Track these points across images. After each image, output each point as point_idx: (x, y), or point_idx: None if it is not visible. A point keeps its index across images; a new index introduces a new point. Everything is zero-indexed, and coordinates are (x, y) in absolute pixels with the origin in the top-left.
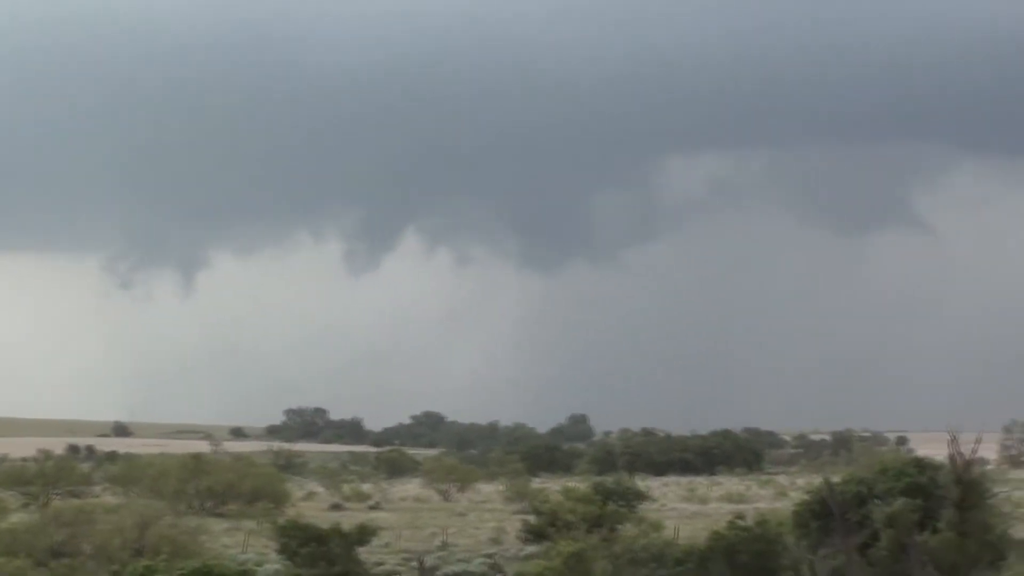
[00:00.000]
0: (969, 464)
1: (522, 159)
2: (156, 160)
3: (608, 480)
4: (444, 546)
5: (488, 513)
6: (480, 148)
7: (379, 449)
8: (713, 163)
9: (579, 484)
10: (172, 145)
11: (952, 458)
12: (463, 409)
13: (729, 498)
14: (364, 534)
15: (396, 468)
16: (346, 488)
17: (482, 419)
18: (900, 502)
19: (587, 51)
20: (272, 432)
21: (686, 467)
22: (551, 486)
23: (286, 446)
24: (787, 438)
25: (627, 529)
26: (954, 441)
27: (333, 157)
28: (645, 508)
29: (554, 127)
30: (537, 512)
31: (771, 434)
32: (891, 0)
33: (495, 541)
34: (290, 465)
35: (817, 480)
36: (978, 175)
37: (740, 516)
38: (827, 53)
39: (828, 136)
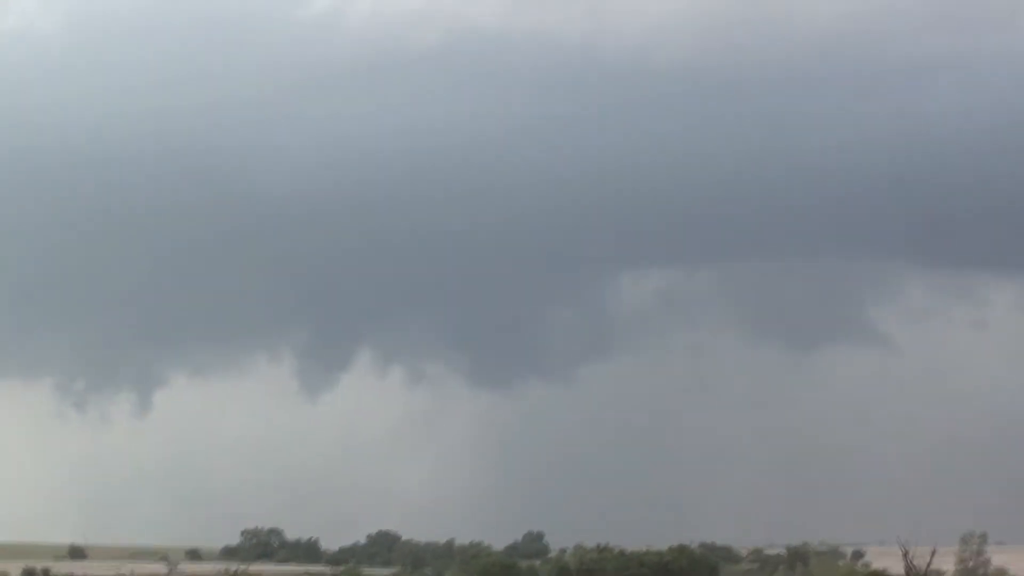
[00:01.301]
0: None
1: (472, 277)
2: (108, 283)
3: None
4: None
5: None
6: (431, 269)
7: (335, 569)
8: (663, 278)
9: None
10: (124, 269)
11: (907, 572)
12: (419, 527)
13: None
14: None
15: None
16: None
17: (438, 537)
18: None
19: (536, 169)
20: (228, 553)
21: None
22: None
23: (242, 567)
24: (743, 552)
25: None
26: (908, 554)
27: (283, 278)
28: None
29: (502, 244)
30: None
31: (727, 549)
32: (840, 115)
33: None
34: None
35: None
36: (928, 288)
37: None
38: (779, 167)
39: (777, 251)
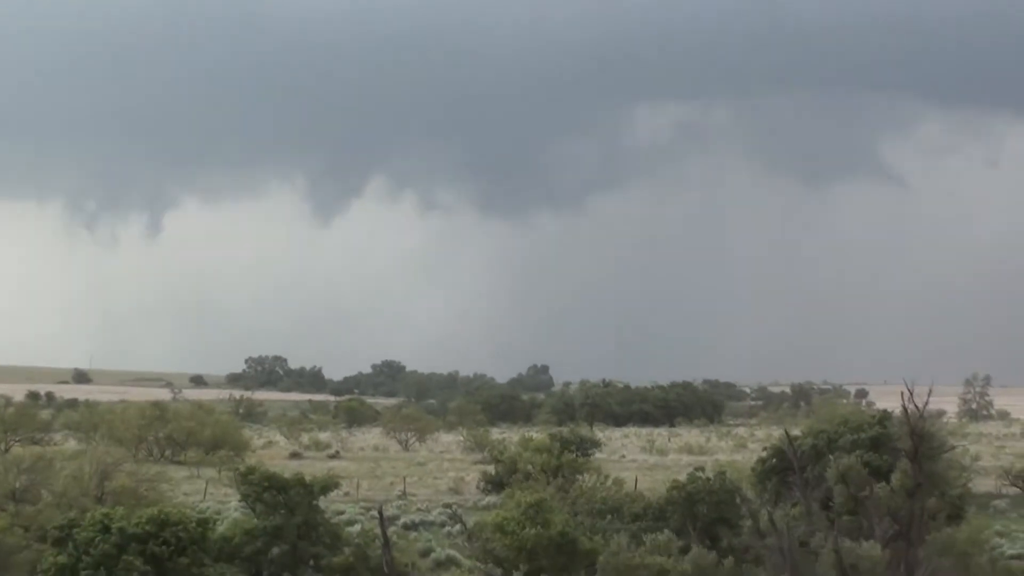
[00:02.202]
0: (922, 416)
1: (489, 109)
2: (124, 107)
3: (564, 430)
4: (403, 496)
5: (447, 463)
6: (448, 99)
7: (339, 398)
8: (678, 112)
9: (537, 434)
10: (141, 93)
11: (906, 410)
12: (424, 358)
13: (688, 450)
14: (328, 485)
15: (356, 417)
16: (305, 437)
17: (442, 369)
18: (853, 456)
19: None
20: (232, 380)
21: (646, 418)
22: (510, 436)
23: (246, 394)
24: (747, 390)
25: (585, 480)
26: (909, 393)
27: (298, 105)
28: (604, 459)
29: (519, 79)
30: (496, 462)
31: (731, 386)
32: None
33: (454, 491)
34: (250, 414)
35: (777, 432)
36: (946, 126)
37: (699, 468)
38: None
39: (795, 87)
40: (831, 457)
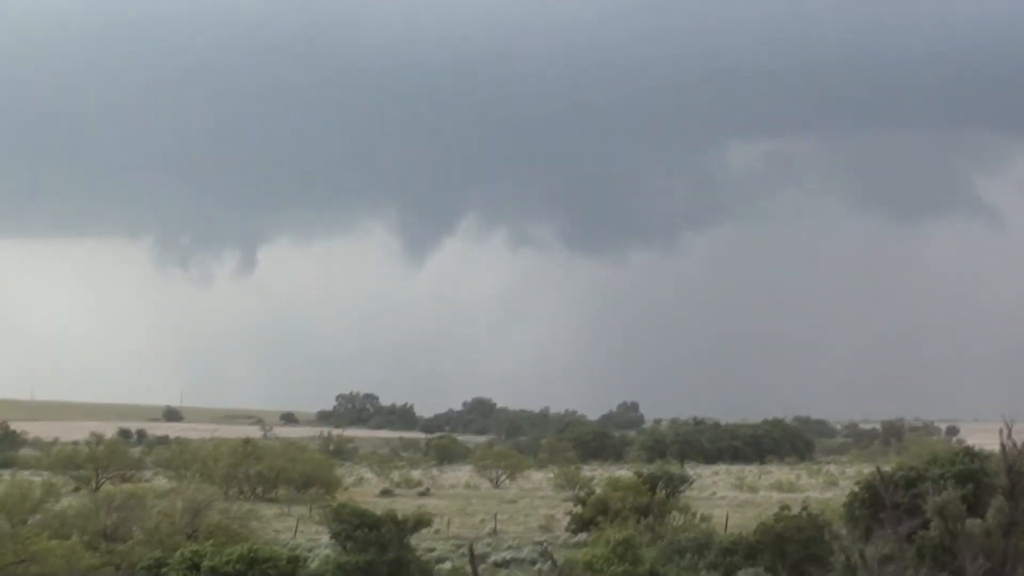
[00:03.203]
0: (1021, 453)
1: (583, 148)
2: (217, 147)
3: (653, 467)
4: (494, 533)
5: (538, 500)
6: (543, 139)
7: (429, 435)
8: (769, 147)
9: (626, 472)
10: (234, 134)
11: (1003, 446)
12: (514, 395)
13: (779, 487)
14: (419, 522)
15: (446, 455)
16: (396, 474)
17: (533, 406)
18: (950, 491)
19: (649, 44)
20: (323, 418)
21: (736, 455)
22: (601, 473)
23: (337, 432)
24: (837, 427)
25: (674, 518)
26: (1007, 429)
27: (392, 139)
28: (694, 496)
29: (617, 114)
30: (583, 502)
31: (821, 423)
32: None
33: (545, 528)
34: (341, 451)
35: (868, 469)
36: None
37: (787, 506)
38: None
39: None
40: (928, 491)
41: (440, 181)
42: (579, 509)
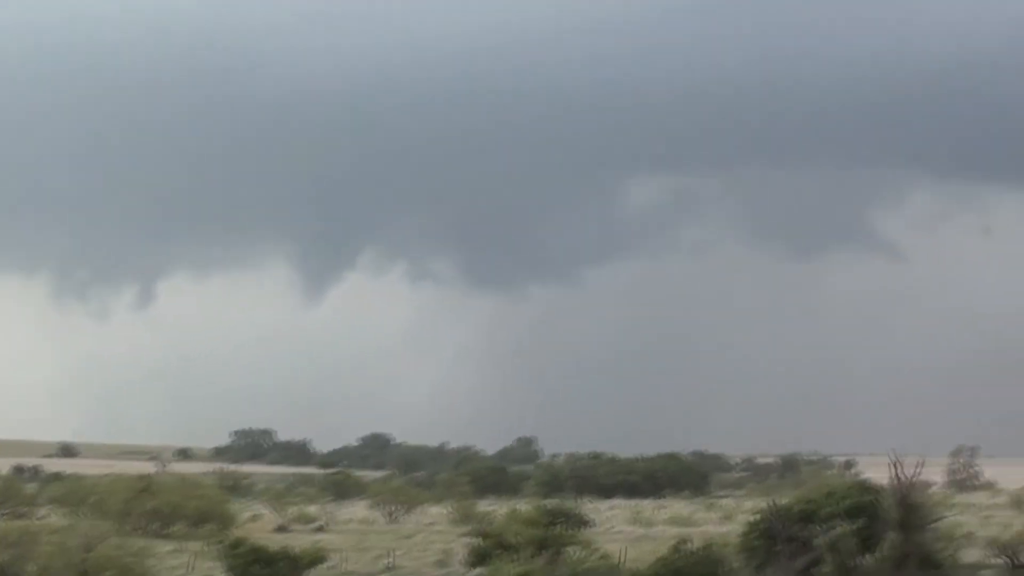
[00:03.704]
0: (911, 486)
1: (482, 182)
2: (111, 176)
3: (553, 503)
4: (390, 568)
5: (435, 535)
6: (432, 164)
7: (326, 471)
8: (670, 184)
9: (525, 506)
10: (127, 164)
11: (895, 480)
12: (411, 431)
13: (675, 521)
14: (315, 558)
15: (342, 490)
16: (292, 510)
17: (430, 441)
18: (842, 526)
19: (549, 77)
20: (219, 453)
21: (632, 490)
22: (498, 508)
23: (232, 468)
24: (734, 461)
25: (572, 552)
26: (897, 464)
27: (288, 175)
28: (591, 531)
29: (507, 147)
30: (482, 535)
31: (718, 457)
32: (852, 25)
33: (442, 563)
34: (236, 487)
35: (764, 503)
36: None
37: (686, 540)
38: (786, 77)
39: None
40: (819, 527)
41: (340, 214)
42: (477, 542)
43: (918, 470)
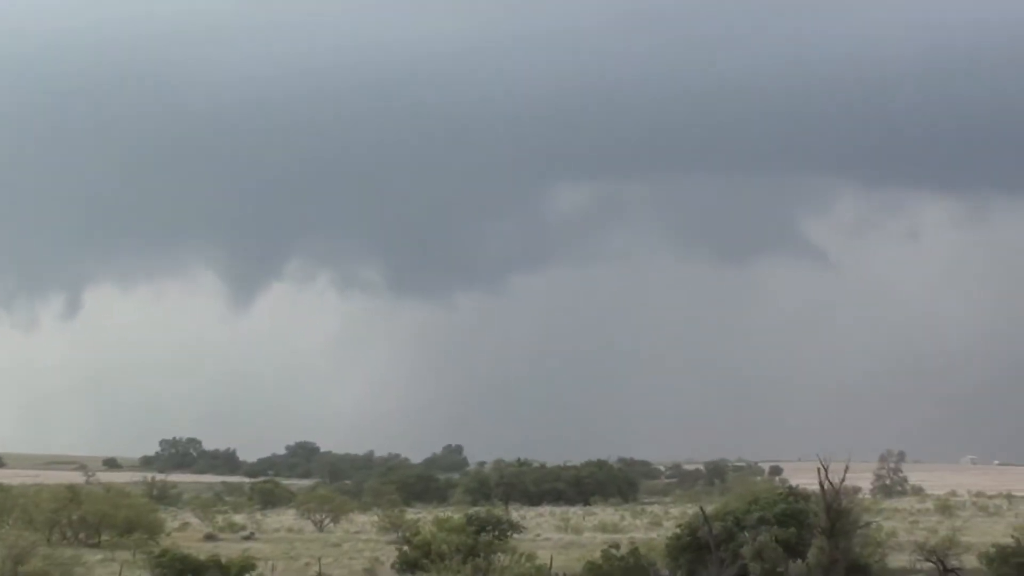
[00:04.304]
0: (838, 492)
1: (403, 182)
2: (41, 188)
3: (481, 511)
4: None
5: (363, 543)
6: (363, 172)
7: (253, 480)
8: (597, 191)
9: (453, 514)
10: (58, 176)
11: (821, 486)
12: (338, 439)
13: (603, 528)
14: (243, 567)
15: (270, 499)
16: (220, 519)
17: (357, 449)
18: (768, 534)
19: (481, 86)
20: (146, 463)
21: (560, 497)
22: (426, 516)
23: (160, 477)
24: (661, 468)
25: (501, 559)
26: (824, 470)
27: (217, 189)
28: (519, 538)
29: (437, 154)
30: (410, 543)
31: (645, 464)
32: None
33: (370, 572)
34: (164, 496)
35: (692, 510)
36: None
37: (614, 545)
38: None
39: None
40: (745, 533)
41: (267, 223)
42: (405, 550)
43: (845, 475)
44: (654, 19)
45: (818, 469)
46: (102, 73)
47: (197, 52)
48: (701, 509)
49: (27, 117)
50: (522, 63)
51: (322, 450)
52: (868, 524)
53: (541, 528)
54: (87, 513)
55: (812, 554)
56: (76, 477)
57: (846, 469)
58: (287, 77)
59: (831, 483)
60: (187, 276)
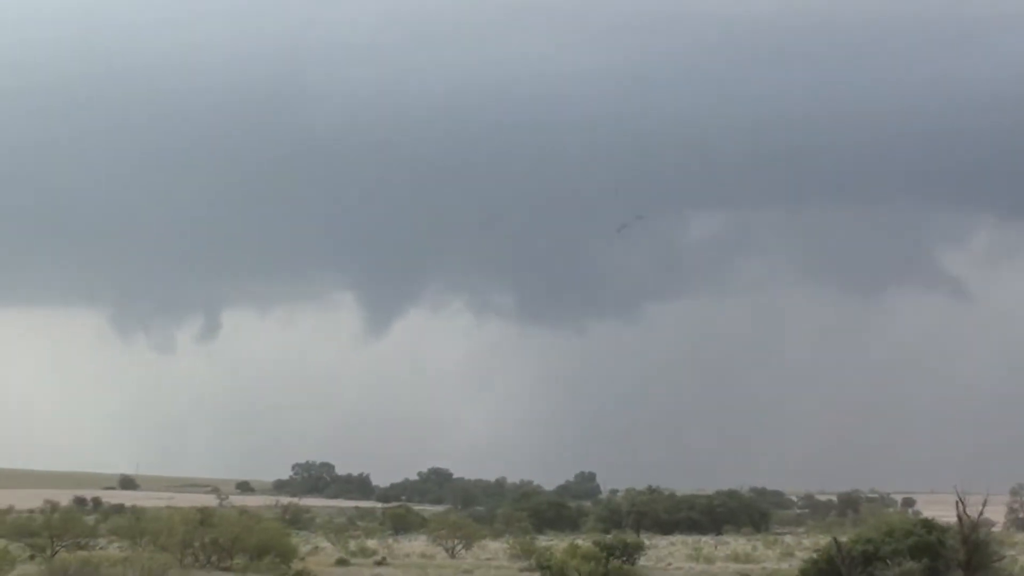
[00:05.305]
0: (976, 525)
1: (536, 211)
2: (177, 212)
3: (609, 537)
4: None
5: (494, 570)
6: (497, 201)
7: (386, 505)
8: (729, 220)
9: (583, 541)
10: (193, 199)
11: (959, 519)
12: (470, 466)
13: (735, 558)
14: None
15: (402, 524)
16: (352, 543)
17: (489, 476)
18: (908, 564)
19: (609, 117)
20: (279, 487)
21: (692, 526)
22: (557, 543)
23: (293, 501)
24: (794, 498)
25: None
26: (961, 503)
27: (352, 213)
28: (650, 567)
29: (572, 184)
30: (542, 568)
31: (778, 494)
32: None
33: None
34: (296, 520)
35: (824, 540)
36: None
37: (747, 575)
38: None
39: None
40: (886, 562)
41: (402, 250)
42: (538, 575)
43: (983, 508)
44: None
45: (956, 502)
46: (227, 94)
47: (325, 72)
48: (835, 539)
49: (158, 140)
50: (639, 93)
51: (455, 476)
52: (1004, 557)
53: (673, 557)
54: (219, 536)
55: None
56: (209, 500)
57: (984, 502)
58: (414, 103)
59: (968, 515)
60: (324, 301)
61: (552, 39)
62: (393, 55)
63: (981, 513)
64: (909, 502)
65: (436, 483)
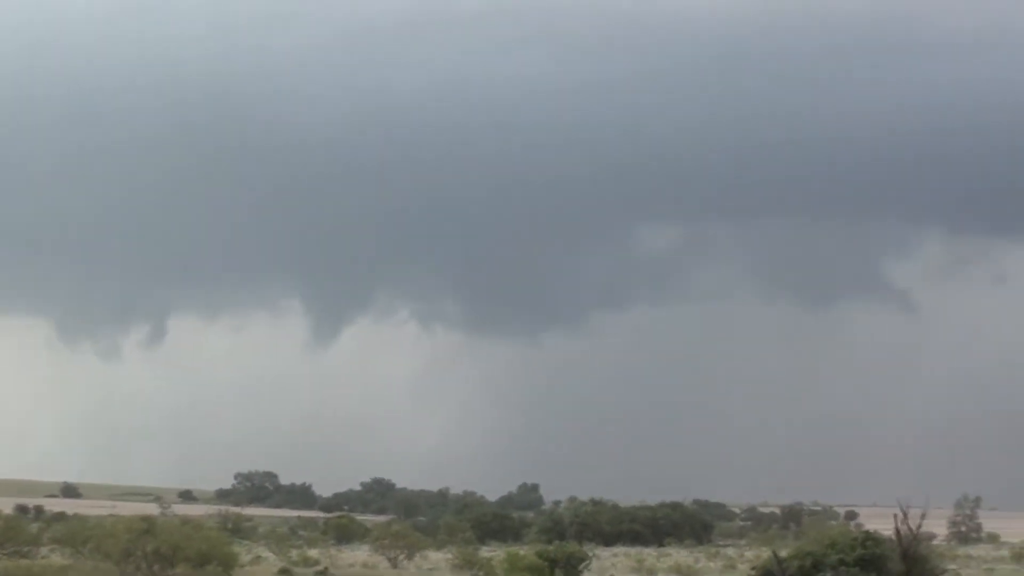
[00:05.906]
0: (915, 538)
1: (484, 221)
2: (124, 218)
3: (552, 548)
4: None
5: None
6: (439, 213)
7: (328, 515)
8: (681, 232)
9: (525, 551)
10: (137, 205)
11: (898, 532)
12: (413, 476)
13: (678, 570)
14: None
15: (345, 534)
16: (294, 553)
17: (432, 486)
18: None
19: (564, 129)
20: (222, 496)
21: (635, 538)
22: (500, 554)
23: (235, 510)
24: (736, 510)
25: None
26: (902, 516)
27: (299, 220)
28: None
29: (514, 195)
30: None
31: (720, 506)
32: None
33: None
34: (239, 529)
35: (766, 553)
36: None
37: None
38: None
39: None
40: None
41: (349, 259)
42: None
43: (922, 522)
44: (741, 63)
45: (895, 515)
46: (186, 111)
47: (275, 73)
48: (774, 552)
49: (100, 143)
50: (597, 105)
51: (397, 487)
52: (944, 571)
53: (615, 569)
54: (161, 544)
55: None
56: (151, 508)
57: (923, 515)
58: (368, 111)
59: (908, 528)
60: (265, 311)
61: (505, 45)
62: (344, 57)
63: (920, 526)
64: (851, 515)
65: (379, 493)
